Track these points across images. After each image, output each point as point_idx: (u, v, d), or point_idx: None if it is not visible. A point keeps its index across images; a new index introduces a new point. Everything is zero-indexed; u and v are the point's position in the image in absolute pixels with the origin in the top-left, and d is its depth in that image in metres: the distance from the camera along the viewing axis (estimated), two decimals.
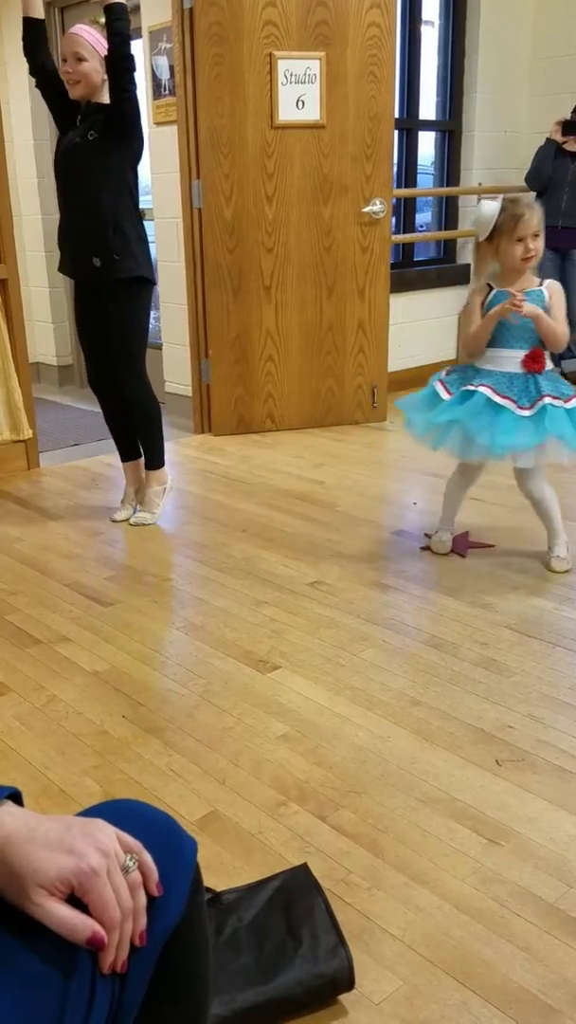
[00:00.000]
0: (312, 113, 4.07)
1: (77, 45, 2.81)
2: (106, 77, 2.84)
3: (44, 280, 5.47)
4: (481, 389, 2.60)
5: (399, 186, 5.05)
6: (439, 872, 1.54)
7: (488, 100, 5.23)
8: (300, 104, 4.05)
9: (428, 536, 2.99)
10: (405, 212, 5.21)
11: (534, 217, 2.57)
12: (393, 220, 4.69)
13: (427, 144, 5.27)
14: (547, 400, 2.56)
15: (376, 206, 4.27)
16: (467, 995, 1.30)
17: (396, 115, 4.38)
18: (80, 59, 2.82)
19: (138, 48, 4.35)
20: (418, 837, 1.62)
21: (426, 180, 5.36)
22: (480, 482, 3.02)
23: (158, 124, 4.29)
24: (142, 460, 3.32)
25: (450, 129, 5.25)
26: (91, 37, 2.82)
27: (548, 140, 4.94)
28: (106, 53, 2.80)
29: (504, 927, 1.42)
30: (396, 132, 4.56)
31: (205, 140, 4.01)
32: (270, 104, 4.01)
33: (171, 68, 4.08)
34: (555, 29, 5.20)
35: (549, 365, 2.67)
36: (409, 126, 5.03)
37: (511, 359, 2.64)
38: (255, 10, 3.90)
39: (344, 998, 1.30)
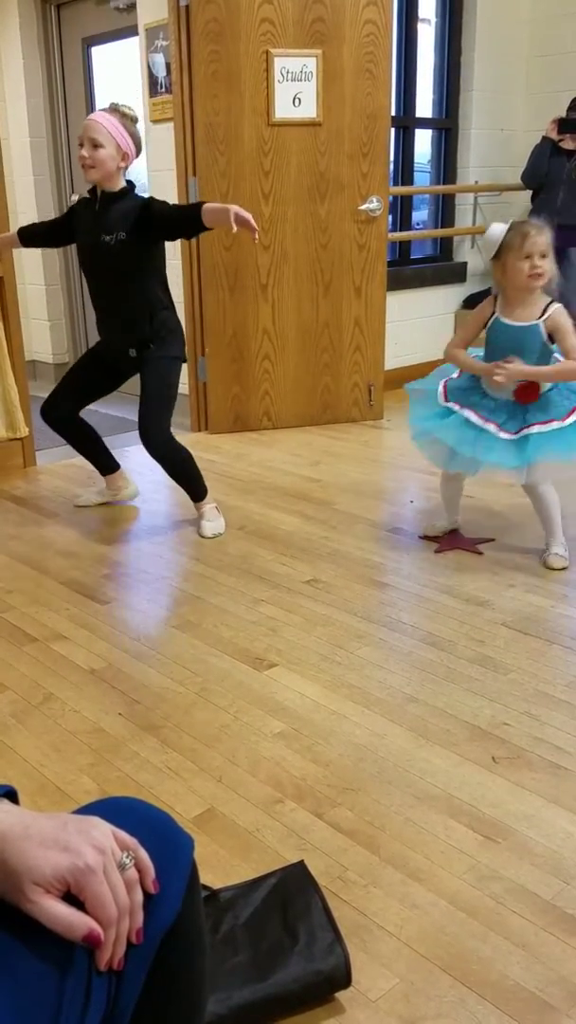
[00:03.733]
0: (309, 111, 4.07)
1: (94, 131, 2.78)
2: (121, 165, 2.83)
3: (40, 278, 5.46)
4: (465, 413, 2.67)
5: (396, 184, 5.05)
6: (435, 869, 1.54)
7: (485, 98, 5.23)
8: (296, 102, 4.04)
9: (425, 538, 3.00)
10: (402, 210, 5.20)
11: (541, 237, 2.54)
12: (390, 218, 4.69)
13: (424, 142, 5.26)
14: (535, 428, 2.61)
15: (373, 204, 4.26)
16: (463, 992, 1.30)
17: (393, 113, 4.38)
18: (96, 145, 2.78)
19: (135, 46, 4.35)
20: (414, 834, 1.62)
21: (423, 178, 5.36)
22: (476, 480, 3.02)
23: (155, 122, 4.28)
24: (121, 470, 3.43)
25: (447, 127, 5.25)
26: (109, 124, 2.78)
27: (544, 138, 4.94)
28: (127, 144, 2.81)
29: (500, 924, 1.42)
30: (393, 130, 4.56)
31: (201, 137, 4.00)
32: (267, 101, 4.00)
33: (167, 65, 4.08)
34: (552, 27, 5.20)
35: (547, 387, 2.67)
36: (406, 124, 5.03)
37: (505, 389, 2.67)
38: (251, 7, 3.89)
39: (341, 995, 1.30)
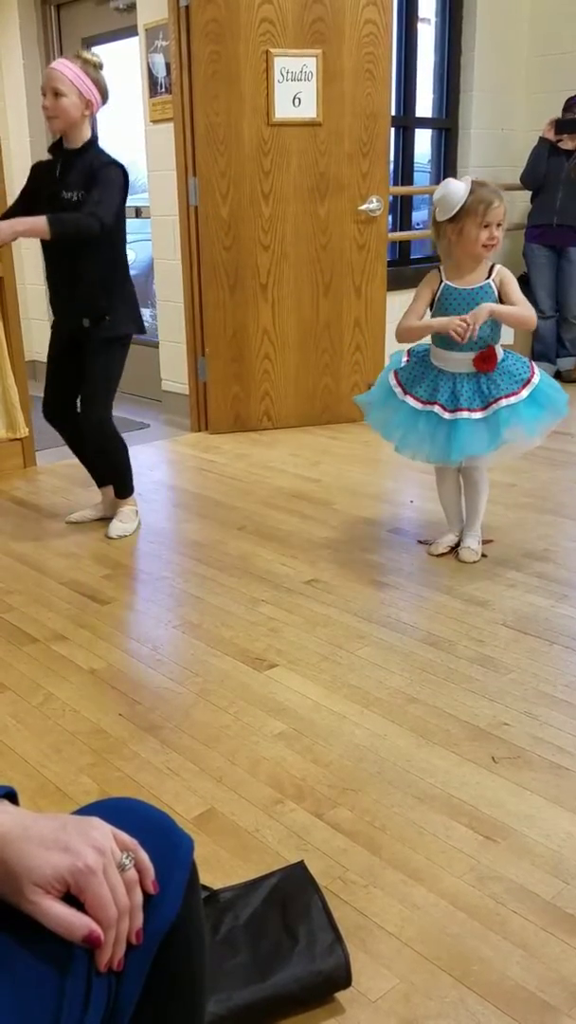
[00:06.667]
0: (308, 111, 4.07)
1: (55, 80, 2.74)
2: (86, 114, 2.79)
3: (40, 278, 5.45)
4: (435, 409, 2.61)
5: (395, 184, 5.05)
6: (436, 869, 1.54)
7: (485, 98, 5.23)
8: (296, 102, 4.04)
9: (423, 543, 2.99)
10: (402, 210, 5.20)
11: (502, 206, 2.53)
12: (390, 218, 4.69)
13: (424, 142, 5.26)
14: (502, 403, 2.57)
15: (373, 204, 4.26)
16: (464, 992, 1.30)
17: (392, 113, 4.38)
18: (58, 94, 2.74)
19: (134, 46, 4.35)
20: (415, 834, 1.62)
21: (423, 178, 5.36)
22: None
23: (155, 122, 4.28)
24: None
25: (447, 127, 5.25)
26: (70, 72, 2.74)
27: (541, 139, 4.95)
28: (89, 91, 2.76)
29: (500, 924, 1.42)
30: (392, 130, 4.56)
31: (201, 138, 4.00)
32: (266, 102, 4.00)
33: (167, 66, 4.08)
34: (551, 27, 5.20)
35: (500, 355, 2.62)
36: (405, 124, 5.02)
37: (461, 360, 2.61)
38: (251, 7, 3.89)
39: (341, 996, 1.30)
